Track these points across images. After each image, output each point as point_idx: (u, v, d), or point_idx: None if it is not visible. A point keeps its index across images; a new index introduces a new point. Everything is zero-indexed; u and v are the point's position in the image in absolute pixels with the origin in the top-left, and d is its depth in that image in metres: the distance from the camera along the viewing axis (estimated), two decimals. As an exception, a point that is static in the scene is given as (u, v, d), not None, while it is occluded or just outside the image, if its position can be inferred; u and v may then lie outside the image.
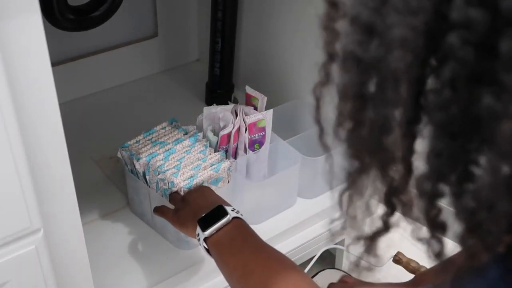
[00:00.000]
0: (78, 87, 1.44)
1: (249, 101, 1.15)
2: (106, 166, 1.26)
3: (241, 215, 0.86)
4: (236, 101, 1.41)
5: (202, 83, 1.46)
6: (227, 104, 1.13)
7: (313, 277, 1.15)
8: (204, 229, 0.83)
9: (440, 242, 0.43)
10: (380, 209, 0.45)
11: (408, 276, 1.08)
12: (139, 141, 1.09)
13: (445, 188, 0.39)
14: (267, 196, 1.14)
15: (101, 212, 1.15)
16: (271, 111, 1.13)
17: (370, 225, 0.46)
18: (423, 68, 0.37)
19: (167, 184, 1.00)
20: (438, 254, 0.43)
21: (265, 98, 1.14)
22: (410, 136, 0.40)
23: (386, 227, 0.45)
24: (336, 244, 1.22)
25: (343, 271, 1.23)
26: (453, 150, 0.37)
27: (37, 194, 0.68)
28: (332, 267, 1.25)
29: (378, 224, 0.45)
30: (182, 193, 0.98)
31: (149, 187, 1.05)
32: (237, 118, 1.10)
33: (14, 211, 0.67)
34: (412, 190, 0.42)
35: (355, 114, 0.41)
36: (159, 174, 1.01)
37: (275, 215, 1.17)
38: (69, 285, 0.80)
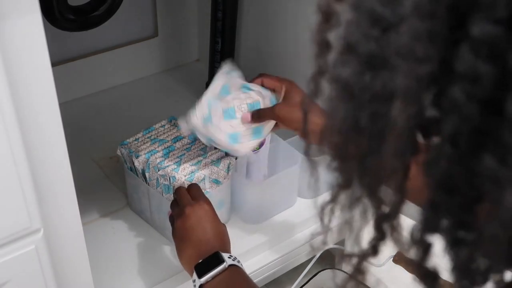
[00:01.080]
0: (78, 87, 1.44)
1: (249, 101, 1.15)
2: (106, 166, 1.26)
3: (238, 261, 0.86)
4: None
5: (202, 83, 1.46)
6: (227, 104, 1.13)
7: (313, 277, 1.16)
8: (200, 276, 0.84)
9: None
10: (369, 234, 0.44)
11: (408, 276, 1.08)
12: (138, 138, 1.09)
13: (439, 235, 0.38)
14: (267, 196, 1.14)
15: (101, 212, 1.15)
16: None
17: (357, 246, 0.45)
18: (423, 119, 0.34)
19: (168, 179, 1.00)
20: None
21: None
22: (404, 168, 0.38)
23: (374, 252, 0.44)
24: (336, 244, 1.22)
25: (343, 271, 1.23)
26: (450, 205, 0.35)
27: (37, 194, 0.68)
28: (332, 267, 1.25)
29: (367, 248, 0.44)
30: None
31: (148, 184, 1.05)
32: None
33: (14, 211, 0.67)
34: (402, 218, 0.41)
35: (343, 146, 0.39)
36: (159, 170, 1.02)
37: (275, 215, 1.17)
38: (69, 285, 0.80)
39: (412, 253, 0.40)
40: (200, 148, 1.07)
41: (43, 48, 0.60)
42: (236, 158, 1.10)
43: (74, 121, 1.33)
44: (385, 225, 0.41)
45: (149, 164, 1.03)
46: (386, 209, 0.40)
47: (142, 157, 1.04)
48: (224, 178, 1.06)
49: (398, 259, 1.08)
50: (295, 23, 1.27)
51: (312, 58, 0.38)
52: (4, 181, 0.64)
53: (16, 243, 0.70)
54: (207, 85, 1.44)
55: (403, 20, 0.32)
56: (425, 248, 0.39)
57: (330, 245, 1.20)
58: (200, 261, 0.85)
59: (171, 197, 1.01)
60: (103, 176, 1.24)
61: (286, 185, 1.16)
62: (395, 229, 0.40)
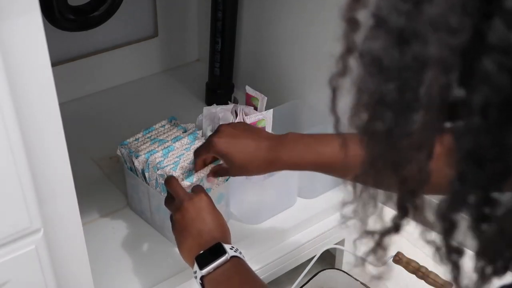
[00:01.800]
0: (78, 87, 1.44)
1: (249, 101, 1.15)
2: (106, 166, 1.26)
3: (240, 253, 0.85)
4: (236, 101, 1.41)
5: (202, 83, 1.46)
6: (227, 104, 1.13)
7: (313, 277, 1.16)
8: (201, 267, 0.82)
9: (457, 267, 0.42)
10: (391, 212, 0.45)
11: (408, 276, 1.08)
12: (138, 138, 1.09)
13: (466, 211, 0.38)
14: (267, 196, 1.14)
15: (101, 212, 1.15)
16: (271, 111, 1.13)
17: (379, 223, 0.46)
18: (453, 92, 0.35)
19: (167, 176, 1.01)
20: (455, 278, 0.42)
21: (265, 98, 1.14)
22: (430, 143, 0.39)
23: (396, 229, 0.45)
24: (336, 244, 1.22)
25: (343, 271, 1.23)
26: (478, 178, 0.36)
27: (37, 194, 0.68)
28: (332, 267, 1.25)
29: (389, 224, 0.45)
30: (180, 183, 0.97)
31: (148, 184, 1.05)
32: (237, 118, 1.10)
33: (14, 211, 0.67)
34: (425, 196, 0.42)
35: (373, 118, 0.40)
36: (158, 170, 1.02)
37: (275, 215, 1.17)
38: (69, 285, 0.80)
39: (437, 230, 0.40)
40: (200, 148, 1.07)
41: (43, 48, 0.60)
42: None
43: (74, 121, 1.33)
44: (408, 203, 0.41)
45: (148, 164, 1.03)
46: (410, 187, 0.41)
47: (142, 157, 1.04)
48: (223, 178, 1.06)
49: (398, 259, 1.08)
50: (295, 23, 1.27)
51: (341, 37, 0.39)
52: (4, 181, 0.64)
53: (16, 243, 0.70)
54: (207, 85, 1.45)
55: None
56: (451, 225, 0.39)
57: (330, 245, 1.20)
58: (201, 252, 0.84)
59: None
60: (103, 176, 1.24)
61: (286, 185, 1.16)
62: (418, 207, 0.41)
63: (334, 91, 0.42)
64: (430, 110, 0.35)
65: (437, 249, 0.41)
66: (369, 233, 0.46)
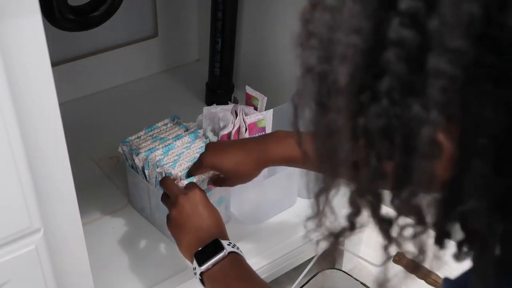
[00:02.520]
0: (78, 87, 1.44)
1: (249, 101, 1.15)
2: (106, 166, 1.26)
3: (237, 248, 0.87)
4: (236, 101, 1.41)
5: (202, 83, 1.46)
6: (227, 104, 1.13)
7: (313, 277, 1.16)
8: (200, 263, 0.84)
9: (388, 236, 0.47)
10: (346, 209, 0.48)
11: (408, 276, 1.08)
12: (140, 136, 1.10)
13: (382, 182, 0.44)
14: (267, 196, 1.14)
15: (101, 212, 1.15)
16: (271, 111, 1.13)
17: (335, 224, 0.50)
18: (363, 81, 0.42)
19: (164, 175, 1.01)
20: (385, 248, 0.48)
21: (265, 98, 1.14)
22: (358, 142, 0.44)
23: (351, 227, 0.49)
24: (336, 244, 1.22)
25: (343, 271, 1.23)
26: (392, 153, 0.42)
27: (37, 194, 0.68)
28: (332, 267, 1.25)
29: (344, 223, 0.49)
30: (179, 183, 0.97)
31: (148, 182, 1.05)
32: (237, 118, 1.10)
33: (14, 211, 0.67)
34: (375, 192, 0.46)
35: (317, 119, 0.47)
36: (157, 168, 1.02)
37: (275, 215, 1.17)
38: (69, 285, 0.80)
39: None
40: (200, 147, 1.07)
41: (43, 48, 0.60)
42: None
43: (74, 121, 1.32)
44: (359, 199, 0.47)
45: (148, 161, 1.03)
46: (359, 184, 0.46)
47: (142, 155, 1.04)
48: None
49: (398, 259, 1.08)
50: (295, 23, 1.27)
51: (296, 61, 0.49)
52: (4, 181, 0.64)
53: (16, 243, 0.70)
54: (207, 85, 1.45)
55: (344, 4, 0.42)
56: (377, 198, 0.45)
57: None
58: (200, 249, 0.85)
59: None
60: (103, 176, 1.24)
61: (286, 185, 1.17)
62: (369, 203, 0.46)
63: (296, 109, 0.50)
64: (343, 96, 0.43)
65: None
66: (327, 233, 0.51)
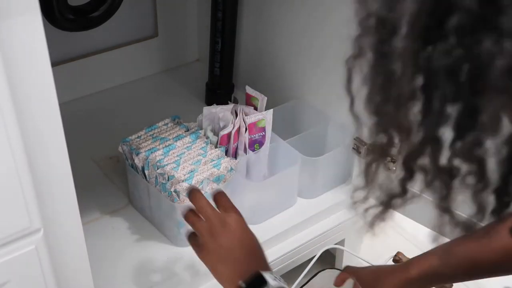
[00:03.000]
0: (78, 87, 1.44)
1: (249, 101, 1.15)
2: (106, 166, 1.26)
3: (280, 280, 0.81)
4: (236, 101, 1.41)
5: (202, 83, 1.46)
6: (227, 104, 1.13)
7: (313, 277, 1.16)
8: None
9: (447, 188, 0.46)
10: (398, 174, 0.48)
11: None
12: (140, 136, 1.10)
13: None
14: (267, 196, 1.14)
15: (101, 212, 1.15)
16: (271, 111, 1.13)
17: (386, 190, 0.50)
18: (429, 20, 0.41)
19: (167, 178, 1.01)
20: (443, 199, 0.47)
21: (265, 98, 1.14)
22: (425, 99, 0.43)
23: (403, 192, 0.49)
24: (336, 244, 1.22)
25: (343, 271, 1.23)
26: (457, 94, 0.42)
27: (37, 194, 0.68)
28: (332, 267, 1.25)
29: (396, 188, 0.49)
30: (177, 186, 0.96)
31: (148, 182, 1.05)
32: (237, 118, 1.10)
33: (14, 211, 0.67)
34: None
35: (376, 69, 0.45)
36: (158, 168, 1.02)
37: (275, 215, 1.17)
38: (69, 285, 0.80)
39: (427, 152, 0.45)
40: (201, 147, 1.07)
41: (43, 48, 0.60)
42: (236, 159, 1.10)
43: (74, 121, 1.33)
44: (413, 163, 0.46)
45: (148, 162, 1.03)
46: (413, 148, 0.45)
47: (142, 155, 1.04)
48: (224, 181, 1.06)
49: (398, 259, 1.08)
50: (295, 23, 1.27)
51: (355, 20, 0.46)
52: (4, 181, 0.64)
53: (16, 243, 0.70)
54: (207, 85, 1.45)
55: None
56: (437, 143, 0.44)
57: (330, 245, 1.20)
58: (243, 284, 0.79)
59: (167, 195, 1.01)
60: (103, 176, 1.24)
61: (286, 185, 1.16)
62: (422, 167, 0.45)
63: (349, 72, 0.48)
64: (406, 39, 0.42)
65: (426, 173, 0.46)
66: (377, 199, 0.50)
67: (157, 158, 1.03)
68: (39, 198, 0.68)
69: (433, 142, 0.45)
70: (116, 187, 1.21)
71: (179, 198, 1.00)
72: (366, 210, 0.52)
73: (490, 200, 0.45)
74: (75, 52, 1.41)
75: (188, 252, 1.08)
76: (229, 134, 1.10)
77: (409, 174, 0.47)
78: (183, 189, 1.00)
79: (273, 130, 1.15)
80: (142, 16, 1.50)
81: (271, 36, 1.35)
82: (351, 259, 1.33)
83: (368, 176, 0.51)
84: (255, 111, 1.13)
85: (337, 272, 1.18)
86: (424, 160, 0.45)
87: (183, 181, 1.00)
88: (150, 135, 1.10)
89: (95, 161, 1.27)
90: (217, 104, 1.15)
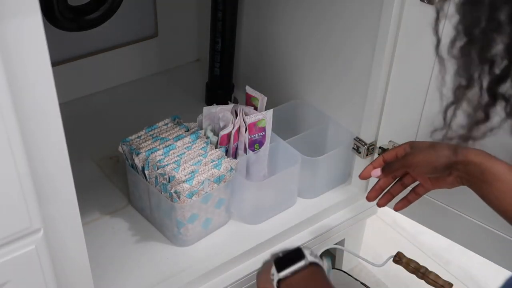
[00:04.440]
0: (78, 87, 1.44)
1: (249, 101, 1.15)
2: (106, 166, 1.26)
3: (319, 259, 0.81)
4: (236, 101, 1.41)
5: (202, 83, 1.46)
6: (227, 104, 1.14)
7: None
8: (279, 270, 0.79)
9: None
10: (483, 100, 0.51)
11: (409, 276, 1.08)
12: (140, 136, 1.10)
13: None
14: (267, 196, 1.14)
15: (101, 212, 1.15)
16: (271, 111, 1.13)
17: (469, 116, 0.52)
18: None
19: (167, 178, 1.01)
20: None
21: (265, 98, 1.14)
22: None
23: (486, 118, 0.51)
24: (336, 244, 1.22)
25: (343, 271, 1.23)
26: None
27: (37, 194, 0.68)
28: (332, 267, 1.25)
29: (479, 114, 0.51)
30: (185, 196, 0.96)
31: (148, 182, 1.05)
32: (237, 118, 1.10)
33: (14, 211, 0.67)
34: None
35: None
36: (158, 169, 1.02)
37: (275, 215, 1.17)
38: (69, 285, 0.80)
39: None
40: (201, 148, 1.07)
41: (43, 48, 0.60)
42: (236, 159, 1.10)
43: (74, 121, 1.33)
44: (497, 89, 0.49)
45: (148, 162, 1.03)
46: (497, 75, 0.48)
47: (142, 155, 1.04)
48: (224, 182, 1.06)
49: (398, 259, 1.08)
50: (295, 23, 1.27)
51: None
52: (5, 181, 0.64)
53: (16, 243, 0.70)
54: (207, 85, 1.45)
55: None
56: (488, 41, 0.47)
57: (330, 245, 1.20)
58: (281, 255, 0.80)
59: (168, 196, 1.01)
60: (103, 176, 1.24)
61: (286, 185, 1.17)
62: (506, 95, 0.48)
63: (438, 13, 0.50)
64: None
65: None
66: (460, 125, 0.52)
67: (157, 158, 1.03)
68: (39, 198, 0.68)
69: None
70: (116, 187, 1.21)
71: (179, 198, 1.00)
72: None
73: None
74: (75, 52, 1.41)
75: (189, 252, 1.08)
76: (229, 134, 1.10)
77: (492, 100, 0.49)
78: (183, 190, 1.00)
79: (273, 130, 1.15)
80: (142, 16, 1.50)
81: (271, 36, 1.35)
82: (351, 259, 1.33)
83: (446, 119, 0.53)
84: (255, 111, 1.13)
85: (337, 272, 1.18)
86: (506, 87, 0.48)
87: (183, 181, 1.00)
88: (150, 135, 1.10)
89: (95, 161, 1.27)
90: (217, 104, 1.15)
